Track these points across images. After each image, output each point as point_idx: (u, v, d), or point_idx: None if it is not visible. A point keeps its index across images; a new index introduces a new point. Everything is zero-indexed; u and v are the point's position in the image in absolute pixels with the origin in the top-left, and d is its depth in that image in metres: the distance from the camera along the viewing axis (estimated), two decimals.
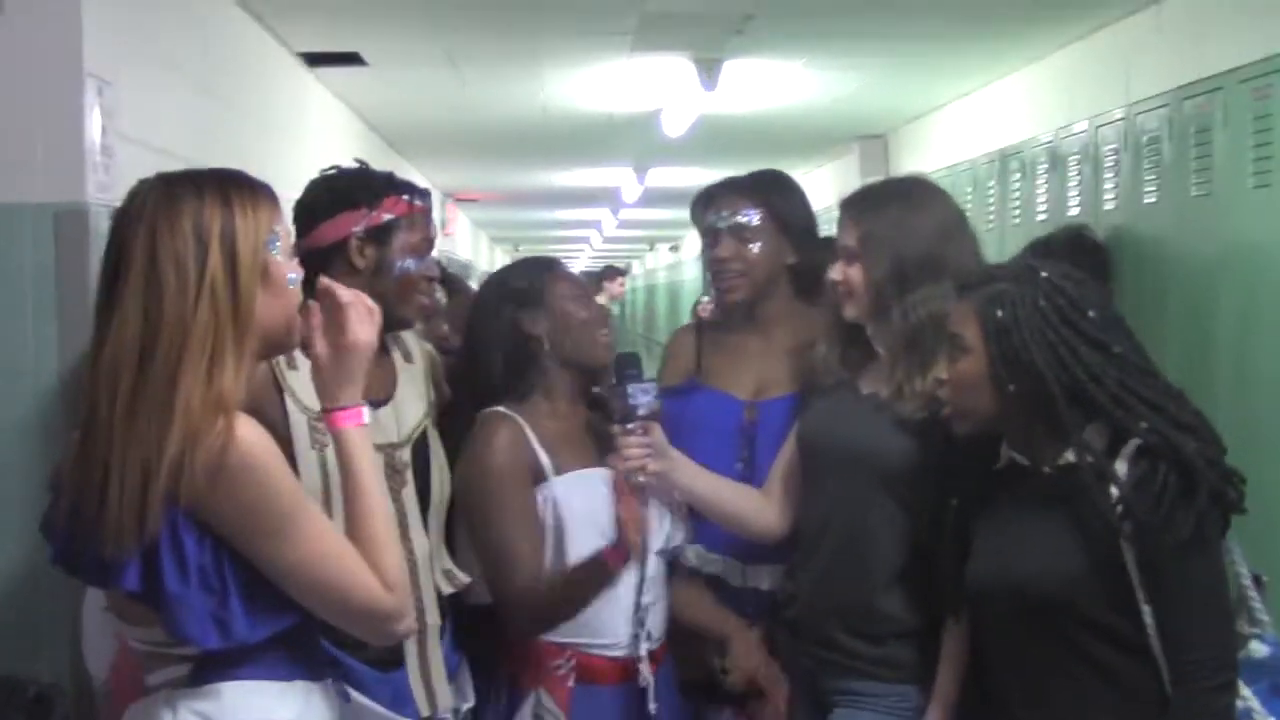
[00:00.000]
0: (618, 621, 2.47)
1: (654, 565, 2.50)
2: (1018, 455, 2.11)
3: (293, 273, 1.82)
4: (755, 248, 2.69)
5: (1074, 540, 2.00)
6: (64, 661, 3.03)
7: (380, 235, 2.36)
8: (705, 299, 7.87)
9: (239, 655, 1.74)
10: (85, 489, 1.68)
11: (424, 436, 2.44)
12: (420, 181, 2.81)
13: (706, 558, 2.66)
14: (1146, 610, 1.95)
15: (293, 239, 1.89)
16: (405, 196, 2.40)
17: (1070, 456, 2.02)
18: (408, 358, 2.51)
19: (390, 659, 2.31)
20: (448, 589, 2.42)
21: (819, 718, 2.43)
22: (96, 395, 1.69)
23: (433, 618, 2.38)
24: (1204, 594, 1.96)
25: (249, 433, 1.71)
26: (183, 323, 1.70)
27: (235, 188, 1.79)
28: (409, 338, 2.55)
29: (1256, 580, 3.14)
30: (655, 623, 2.51)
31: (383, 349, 2.45)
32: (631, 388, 2.45)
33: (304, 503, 1.77)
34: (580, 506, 2.46)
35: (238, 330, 1.73)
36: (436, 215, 10.62)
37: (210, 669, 1.75)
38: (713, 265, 2.72)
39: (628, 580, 2.45)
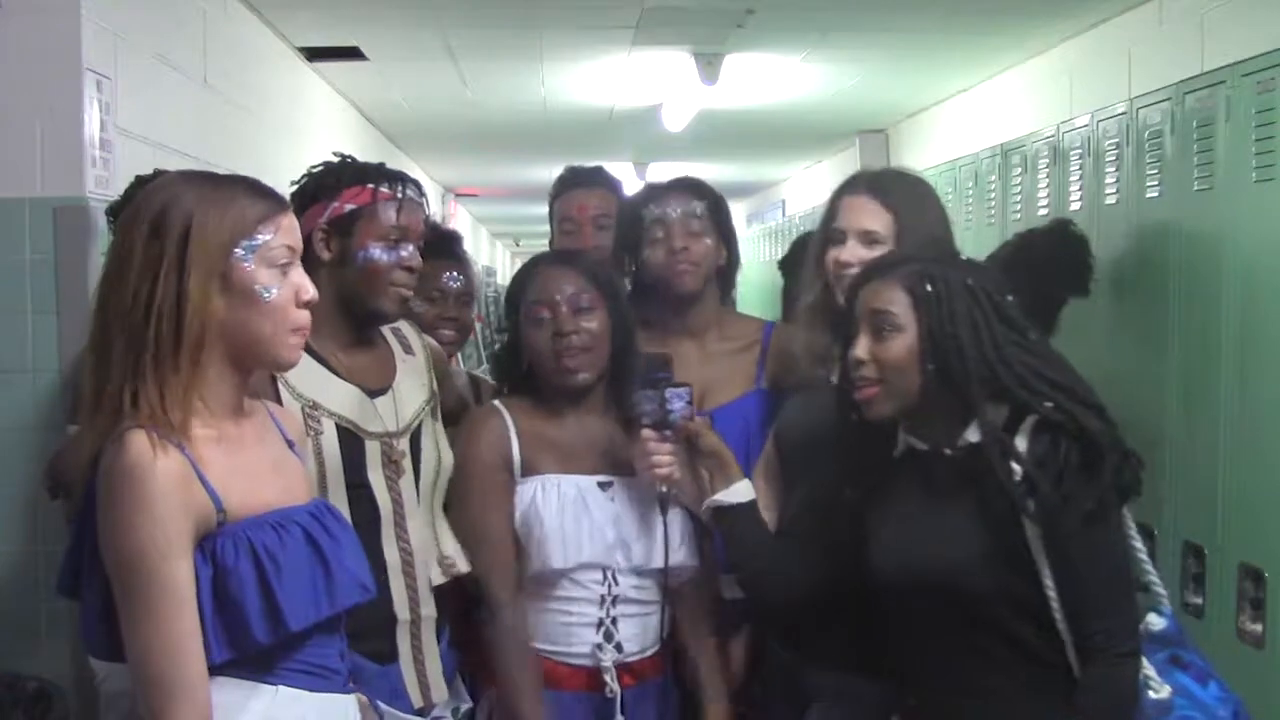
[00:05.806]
0: (579, 633, 2.42)
1: (628, 581, 2.43)
2: (915, 440, 2.08)
3: (267, 285, 1.68)
4: (707, 241, 2.76)
5: (975, 521, 1.98)
6: (64, 659, 3.03)
7: (342, 225, 2.34)
8: None
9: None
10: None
11: (422, 427, 2.43)
12: (418, 175, 2.80)
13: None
14: (1050, 584, 1.93)
15: (294, 249, 1.75)
16: (370, 185, 2.36)
17: (970, 436, 2.00)
18: (408, 350, 2.50)
19: (386, 651, 2.30)
20: (439, 579, 2.39)
21: (798, 713, 2.42)
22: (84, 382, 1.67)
23: (428, 609, 2.36)
24: (1108, 566, 1.94)
25: (164, 463, 1.58)
26: (120, 315, 1.62)
27: (218, 186, 1.69)
28: (409, 331, 2.54)
29: (1196, 551, 3.16)
30: (629, 636, 2.43)
31: (378, 338, 2.45)
32: (669, 392, 2.35)
33: (168, 570, 1.58)
34: (552, 513, 2.40)
35: (180, 331, 1.62)
36: (437, 209, 10.62)
37: None
38: (665, 256, 2.73)
39: (593, 592, 2.41)
